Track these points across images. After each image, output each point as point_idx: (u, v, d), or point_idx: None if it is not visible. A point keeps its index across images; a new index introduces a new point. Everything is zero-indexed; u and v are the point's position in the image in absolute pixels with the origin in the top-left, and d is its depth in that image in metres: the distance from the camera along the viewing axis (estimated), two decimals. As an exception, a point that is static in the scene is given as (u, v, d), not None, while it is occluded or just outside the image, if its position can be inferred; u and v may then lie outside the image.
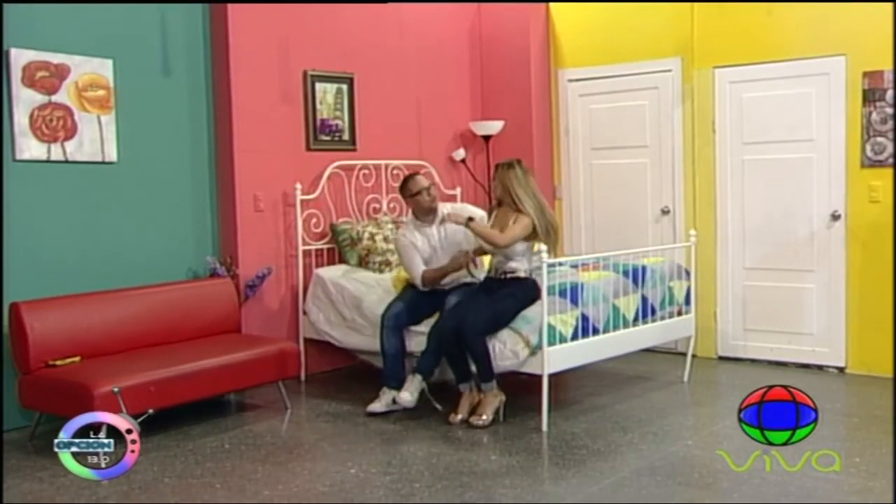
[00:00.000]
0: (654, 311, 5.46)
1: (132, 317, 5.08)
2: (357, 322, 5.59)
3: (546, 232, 4.81)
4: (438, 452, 4.43)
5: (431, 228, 5.23)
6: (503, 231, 4.81)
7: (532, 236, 4.82)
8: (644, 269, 5.44)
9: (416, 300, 5.19)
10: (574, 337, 4.84)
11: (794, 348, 6.10)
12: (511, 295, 4.81)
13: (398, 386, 5.01)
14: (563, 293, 4.85)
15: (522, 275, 4.88)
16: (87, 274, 5.17)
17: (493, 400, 4.83)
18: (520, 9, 6.97)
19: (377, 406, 5.07)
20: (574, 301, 4.87)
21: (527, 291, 4.82)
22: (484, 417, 4.79)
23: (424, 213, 5.23)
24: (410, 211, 5.43)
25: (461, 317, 4.77)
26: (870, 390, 5.48)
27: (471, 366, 4.85)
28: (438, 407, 5.01)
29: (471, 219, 4.90)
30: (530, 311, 4.77)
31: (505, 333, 4.75)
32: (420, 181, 5.21)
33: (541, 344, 4.67)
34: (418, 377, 4.95)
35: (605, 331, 5.07)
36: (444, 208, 5.27)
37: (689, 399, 5.54)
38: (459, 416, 4.86)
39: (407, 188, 5.25)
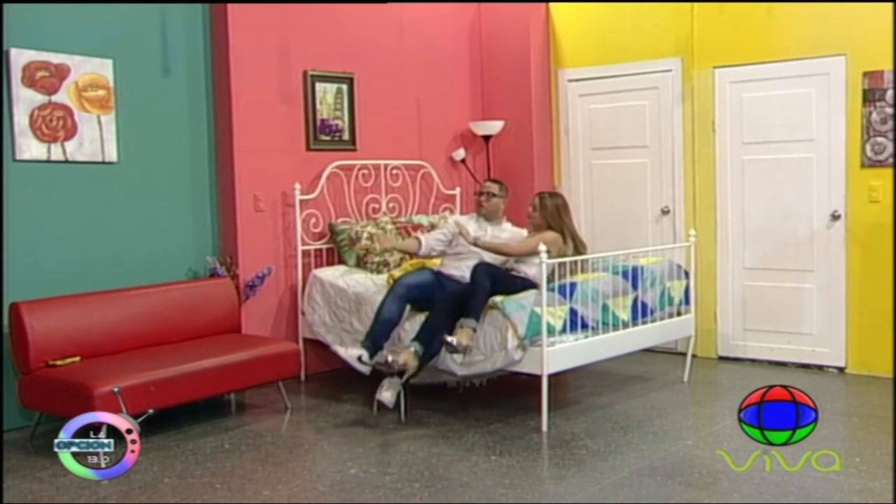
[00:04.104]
0: (651, 312, 5.46)
1: (132, 317, 5.08)
2: (353, 326, 5.57)
3: (575, 250, 5.27)
4: (438, 452, 4.43)
5: (487, 225, 5.64)
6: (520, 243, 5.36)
7: (556, 250, 5.10)
8: (640, 269, 5.44)
9: (432, 287, 5.26)
10: (564, 330, 4.84)
11: (794, 348, 6.10)
12: (514, 278, 5.21)
13: (372, 349, 5.04)
14: (552, 290, 4.87)
15: (529, 275, 5.15)
16: (87, 274, 5.17)
17: (469, 334, 4.80)
18: (520, 9, 6.97)
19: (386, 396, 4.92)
20: (564, 295, 4.88)
21: (525, 281, 5.14)
22: (459, 341, 4.74)
23: (479, 210, 5.69)
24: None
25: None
26: (870, 390, 5.48)
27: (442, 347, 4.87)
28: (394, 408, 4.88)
29: (476, 240, 5.34)
30: (521, 296, 4.89)
31: (494, 315, 4.79)
32: (487, 186, 5.73)
33: (530, 337, 4.68)
34: (396, 379, 4.90)
35: (600, 330, 5.07)
36: (456, 223, 5.59)
37: (689, 399, 5.54)
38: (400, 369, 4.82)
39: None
